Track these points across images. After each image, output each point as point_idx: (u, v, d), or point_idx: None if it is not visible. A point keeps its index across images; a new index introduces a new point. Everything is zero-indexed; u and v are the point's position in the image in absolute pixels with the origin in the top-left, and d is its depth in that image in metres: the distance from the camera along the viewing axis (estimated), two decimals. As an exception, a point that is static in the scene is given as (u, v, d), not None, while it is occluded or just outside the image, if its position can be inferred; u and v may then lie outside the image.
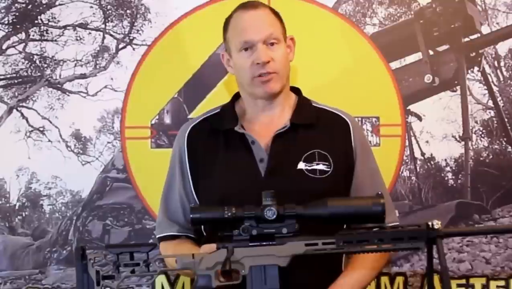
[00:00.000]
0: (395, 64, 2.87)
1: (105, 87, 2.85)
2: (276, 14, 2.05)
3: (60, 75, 2.85)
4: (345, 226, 1.80)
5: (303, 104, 2.09)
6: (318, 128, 2.04)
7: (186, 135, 2.08)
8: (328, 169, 1.99)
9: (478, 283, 2.83)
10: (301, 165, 1.99)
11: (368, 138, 2.84)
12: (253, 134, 2.02)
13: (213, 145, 2.04)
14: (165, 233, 2.11)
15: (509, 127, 2.89)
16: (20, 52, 2.85)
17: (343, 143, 2.04)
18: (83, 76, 2.86)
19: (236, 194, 1.89)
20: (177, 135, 2.13)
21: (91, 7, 2.85)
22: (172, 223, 2.09)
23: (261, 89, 1.99)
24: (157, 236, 2.15)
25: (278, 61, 1.98)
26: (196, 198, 2.05)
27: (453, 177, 2.90)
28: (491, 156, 2.90)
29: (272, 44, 1.98)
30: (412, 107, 2.88)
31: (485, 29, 2.89)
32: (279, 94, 2.03)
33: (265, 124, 2.04)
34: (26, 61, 2.85)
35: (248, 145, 2.01)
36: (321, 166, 1.99)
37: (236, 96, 2.13)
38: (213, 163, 2.02)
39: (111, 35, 2.86)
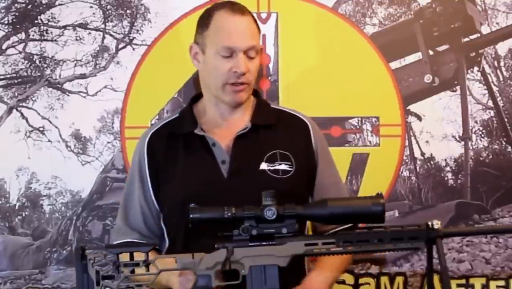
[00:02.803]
0: (395, 64, 2.87)
1: (105, 87, 2.85)
2: (255, 20, 2.02)
3: (60, 75, 2.85)
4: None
5: (262, 105, 2.09)
6: (278, 129, 2.04)
7: (146, 142, 2.05)
8: (291, 169, 1.99)
9: (478, 283, 2.83)
10: (263, 166, 1.98)
11: (368, 138, 2.85)
12: (213, 136, 2.00)
13: (173, 150, 2.02)
14: (123, 240, 2.04)
15: (509, 127, 2.89)
16: (20, 52, 2.85)
17: (304, 144, 2.04)
18: (83, 76, 2.86)
19: (198, 196, 1.87)
20: (137, 142, 2.10)
21: (91, 7, 2.85)
22: (132, 231, 2.05)
23: (230, 97, 1.98)
24: (114, 242, 2.07)
25: (253, 73, 1.98)
26: (157, 205, 2.03)
27: (453, 177, 2.90)
28: (491, 156, 2.90)
29: (251, 56, 1.97)
30: (412, 107, 2.88)
31: (485, 29, 2.89)
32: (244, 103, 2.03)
33: (225, 126, 2.03)
34: (26, 61, 2.85)
35: (209, 147, 1.99)
36: (283, 166, 1.99)
37: (194, 99, 2.11)
38: (174, 167, 2.00)
39: (111, 35, 2.86)
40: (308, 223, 2.06)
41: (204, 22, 2.02)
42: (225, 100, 2.00)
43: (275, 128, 2.04)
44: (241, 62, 1.94)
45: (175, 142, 2.03)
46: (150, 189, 2.03)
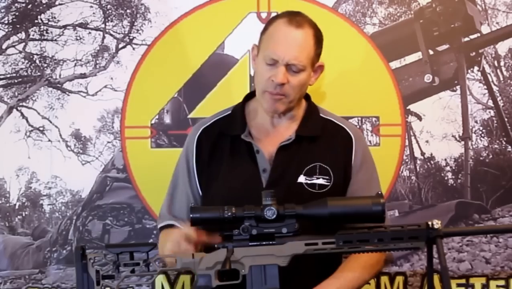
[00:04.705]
0: (395, 64, 2.87)
1: (105, 86, 2.85)
2: (317, 36, 2.02)
3: (60, 75, 2.85)
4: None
5: (311, 114, 2.09)
6: (322, 141, 2.05)
7: (197, 136, 2.10)
8: (328, 184, 2.00)
9: (478, 283, 2.83)
10: (302, 179, 2.00)
11: (368, 138, 2.85)
12: (258, 143, 2.03)
13: (220, 150, 2.05)
14: (166, 222, 2.09)
15: (509, 127, 2.89)
16: (20, 52, 2.85)
17: (344, 158, 2.05)
18: (83, 76, 2.86)
19: (237, 201, 1.89)
20: (189, 134, 2.15)
21: (91, 6, 2.85)
22: (175, 219, 2.08)
23: (268, 104, 2.00)
24: (158, 226, 2.14)
25: (293, 86, 1.98)
26: (201, 199, 2.05)
27: (453, 176, 2.90)
28: (491, 156, 2.90)
29: (294, 70, 1.96)
30: (412, 107, 2.88)
31: (485, 29, 2.88)
32: (284, 113, 2.02)
33: (272, 133, 2.05)
34: (26, 61, 2.85)
35: (253, 153, 2.02)
36: (321, 181, 2.01)
37: (248, 96, 2.12)
38: (218, 168, 2.03)
39: (111, 35, 2.86)
40: None
41: (266, 26, 2.03)
42: (264, 106, 2.02)
43: (319, 139, 2.05)
44: (280, 73, 1.94)
45: (223, 142, 2.06)
46: (197, 182, 2.07)
